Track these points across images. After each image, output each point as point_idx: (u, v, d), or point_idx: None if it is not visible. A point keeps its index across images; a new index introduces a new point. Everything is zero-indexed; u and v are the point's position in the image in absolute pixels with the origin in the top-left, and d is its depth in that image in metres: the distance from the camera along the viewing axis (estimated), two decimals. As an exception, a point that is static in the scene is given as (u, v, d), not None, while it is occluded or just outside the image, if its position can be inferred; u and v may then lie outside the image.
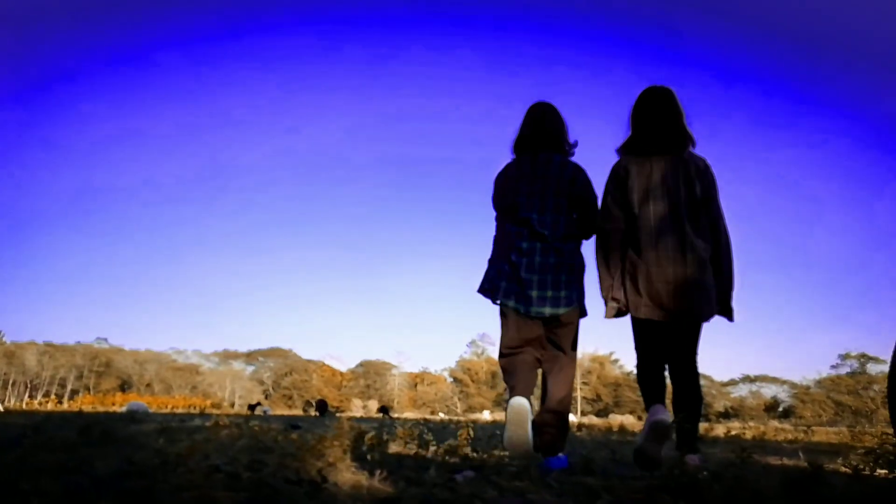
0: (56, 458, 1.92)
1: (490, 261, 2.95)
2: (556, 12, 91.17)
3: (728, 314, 2.70)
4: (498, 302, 2.81)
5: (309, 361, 71.95)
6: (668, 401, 2.67)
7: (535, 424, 2.58)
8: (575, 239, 2.83)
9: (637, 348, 2.77)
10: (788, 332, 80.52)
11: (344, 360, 74.76)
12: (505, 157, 3.03)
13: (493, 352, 72.25)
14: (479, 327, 77.03)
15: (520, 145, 2.96)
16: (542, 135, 2.90)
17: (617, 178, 2.75)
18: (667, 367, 2.74)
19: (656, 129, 2.71)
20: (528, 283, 2.70)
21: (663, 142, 2.71)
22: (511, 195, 2.86)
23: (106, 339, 68.49)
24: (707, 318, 2.62)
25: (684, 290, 2.55)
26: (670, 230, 2.60)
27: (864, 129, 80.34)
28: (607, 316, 2.75)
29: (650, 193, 2.66)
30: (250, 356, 74.38)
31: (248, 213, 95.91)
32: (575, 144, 2.97)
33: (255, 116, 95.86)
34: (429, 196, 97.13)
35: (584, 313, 2.82)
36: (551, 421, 2.63)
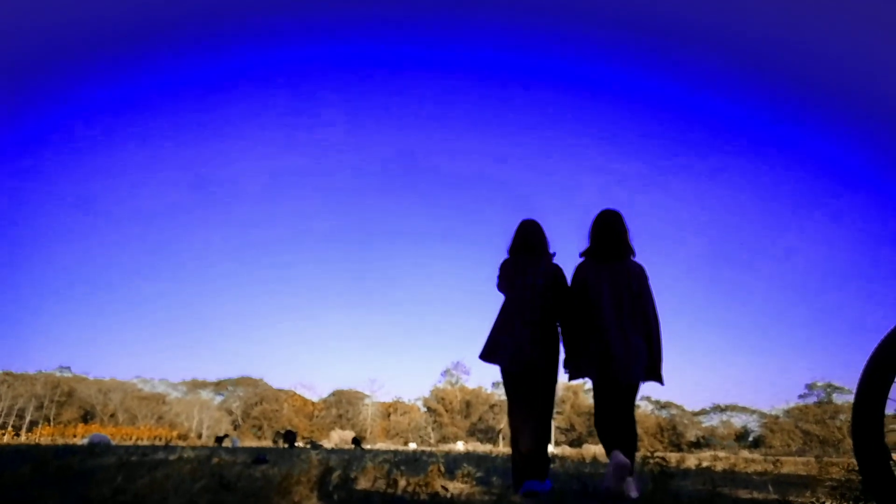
0: (2, 498, 1.82)
1: (491, 333, 3.78)
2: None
3: (659, 380, 3.58)
4: (499, 367, 3.67)
5: (280, 390, 70.35)
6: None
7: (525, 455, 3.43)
8: (554, 319, 3.71)
9: (595, 402, 3.57)
10: (757, 362, 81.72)
11: (316, 389, 73.48)
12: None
13: (468, 381, 72.15)
14: (454, 356, 76.59)
15: (514, 250, 3.96)
16: (530, 246, 3.89)
17: (581, 276, 3.71)
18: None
19: (609, 243, 3.70)
20: (522, 351, 3.55)
21: (614, 253, 3.68)
22: (510, 287, 3.80)
23: (69, 368, 66.02)
24: (640, 380, 3.48)
25: (625, 359, 3.41)
26: (616, 316, 3.51)
27: (828, 155, 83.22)
28: (570, 378, 3.67)
29: (603, 288, 3.58)
30: (219, 385, 72.46)
31: (218, 239, 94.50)
32: (554, 254, 3.93)
33: (226, 139, 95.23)
34: (401, 222, 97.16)
35: (570, 373, 3.70)
36: (534, 452, 3.40)
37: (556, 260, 3.93)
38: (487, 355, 3.69)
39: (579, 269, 3.76)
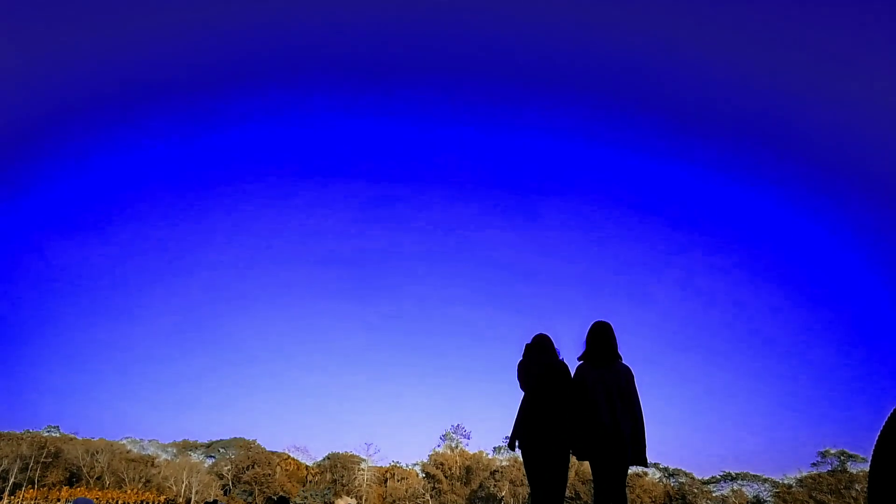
0: None
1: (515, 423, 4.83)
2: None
3: (644, 463, 4.50)
4: (517, 448, 4.75)
5: (273, 453, 68.29)
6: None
7: None
8: (561, 409, 4.63)
9: (594, 480, 4.46)
10: (768, 428, 79.51)
11: (309, 452, 71.21)
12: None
13: (468, 445, 69.91)
14: (454, 419, 74.65)
15: (527, 353, 5.06)
16: (541, 348, 5.03)
17: (580, 377, 4.73)
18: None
19: (602, 351, 4.73)
20: (536, 436, 4.61)
21: (605, 358, 4.70)
22: (525, 384, 4.92)
23: (57, 427, 64.56)
24: (630, 464, 4.42)
25: (617, 445, 4.37)
26: (610, 410, 4.46)
27: (841, 226, 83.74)
28: (577, 459, 4.66)
29: (598, 387, 4.55)
30: (210, 447, 70.49)
31: (210, 298, 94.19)
32: (561, 358, 4.98)
33: (218, 193, 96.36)
34: (399, 284, 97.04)
35: (575, 455, 4.68)
36: None
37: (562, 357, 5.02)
38: (515, 441, 4.74)
39: (579, 371, 4.75)
